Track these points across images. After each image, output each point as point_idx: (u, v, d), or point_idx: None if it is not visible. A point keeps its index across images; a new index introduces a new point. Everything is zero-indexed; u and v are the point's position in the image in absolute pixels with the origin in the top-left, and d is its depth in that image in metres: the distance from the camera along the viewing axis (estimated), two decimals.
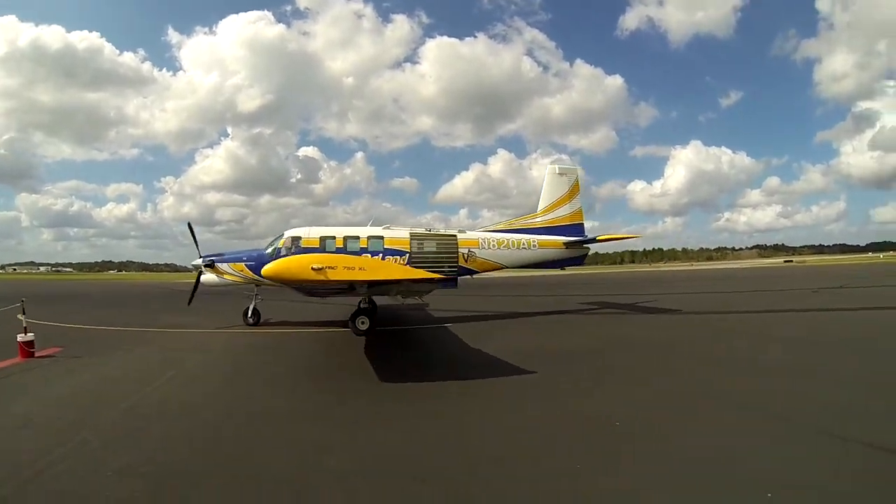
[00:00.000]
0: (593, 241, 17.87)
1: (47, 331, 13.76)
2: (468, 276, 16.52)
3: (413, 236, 15.40)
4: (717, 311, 18.36)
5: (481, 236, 16.48)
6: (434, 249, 15.49)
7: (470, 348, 11.17)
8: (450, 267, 15.46)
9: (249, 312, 15.45)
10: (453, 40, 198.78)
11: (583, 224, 18.10)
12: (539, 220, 17.77)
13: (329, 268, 7.65)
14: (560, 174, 18.19)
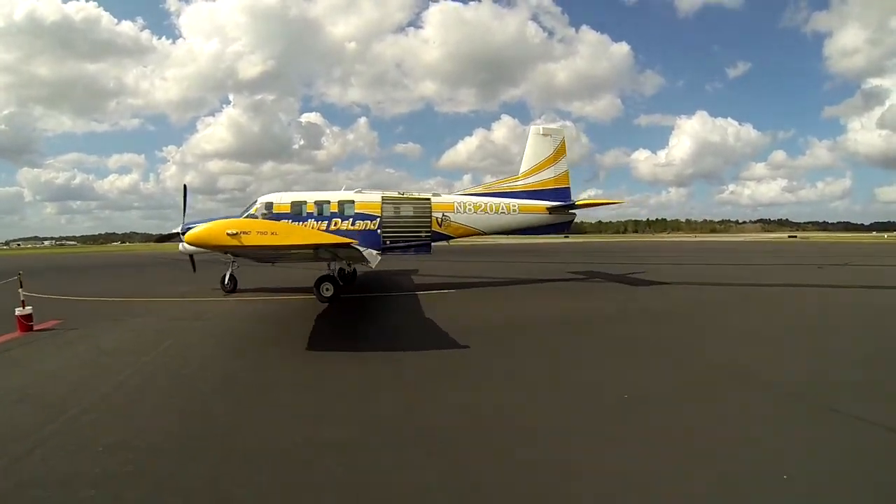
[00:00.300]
0: (573, 205, 17.20)
1: (48, 304, 13.82)
2: (444, 242, 16.22)
3: (385, 200, 15.10)
4: (720, 282, 18.23)
5: (457, 200, 15.94)
6: (406, 213, 15.18)
7: (423, 318, 11.15)
8: (424, 232, 15.20)
9: (226, 279, 15.62)
10: (457, 4, 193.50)
11: (569, 188, 17.27)
12: (521, 184, 17.03)
13: (243, 233, 7.64)
14: (544, 135, 17.30)
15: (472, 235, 16.34)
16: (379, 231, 14.75)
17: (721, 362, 7.47)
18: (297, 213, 14.62)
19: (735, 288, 16.99)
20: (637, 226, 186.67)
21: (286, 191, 15.40)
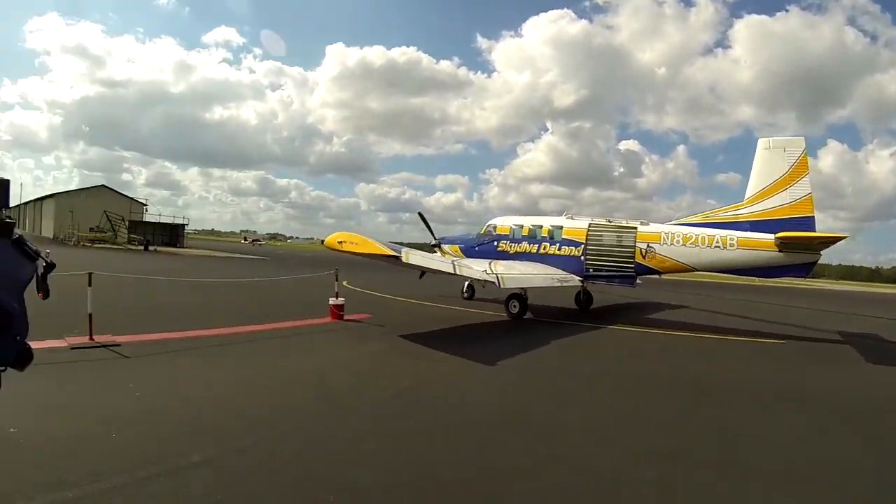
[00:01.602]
0: (789, 239, 12.41)
1: (366, 298, 15.61)
2: (656, 276, 14.65)
3: (591, 227, 14.64)
4: None
5: (665, 230, 13.90)
6: (609, 242, 14.36)
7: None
8: (626, 263, 13.93)
9: (465, 288, 17.17)
10: (763, 17, 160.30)
11: (812, 217, 12.76)
12: (745, 212, 13.37)
13: (341, 242, 9.41)
14: (775, 148, 13.24)
15: (683, 271, 14.37)
16: (582, 258, 14.44)
17: None
18: (514, 235, 15.62)
19: None
20: None
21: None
